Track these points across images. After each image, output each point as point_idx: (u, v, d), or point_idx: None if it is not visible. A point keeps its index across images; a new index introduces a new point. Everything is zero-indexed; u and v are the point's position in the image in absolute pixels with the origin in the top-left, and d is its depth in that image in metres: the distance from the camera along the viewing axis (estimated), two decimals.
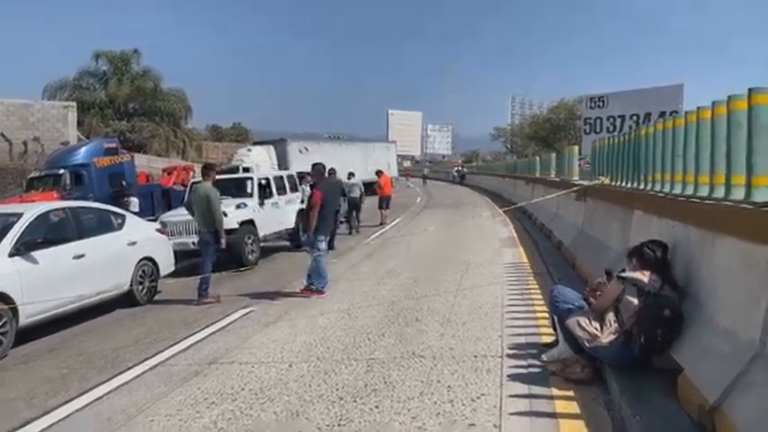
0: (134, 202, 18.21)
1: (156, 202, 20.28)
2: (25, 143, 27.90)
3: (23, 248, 6.84)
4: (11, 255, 6.71)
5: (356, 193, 16.92)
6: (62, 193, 17.34)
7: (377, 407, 4.20)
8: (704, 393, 3.29)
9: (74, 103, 32.78)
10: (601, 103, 29.70)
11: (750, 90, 3.79)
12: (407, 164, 59.25)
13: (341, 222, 15.31)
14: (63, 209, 8.17)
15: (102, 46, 42.15)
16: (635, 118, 26.98)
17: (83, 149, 20.19)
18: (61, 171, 18.42)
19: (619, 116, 28.26)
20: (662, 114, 22.04)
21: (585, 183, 10.36)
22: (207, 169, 9.21)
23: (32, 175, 19.96)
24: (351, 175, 17.90)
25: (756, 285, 3.21)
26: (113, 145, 21.10)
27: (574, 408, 3.98)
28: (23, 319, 6.63)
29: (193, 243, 10.28)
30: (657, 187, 6.05)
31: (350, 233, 16.04)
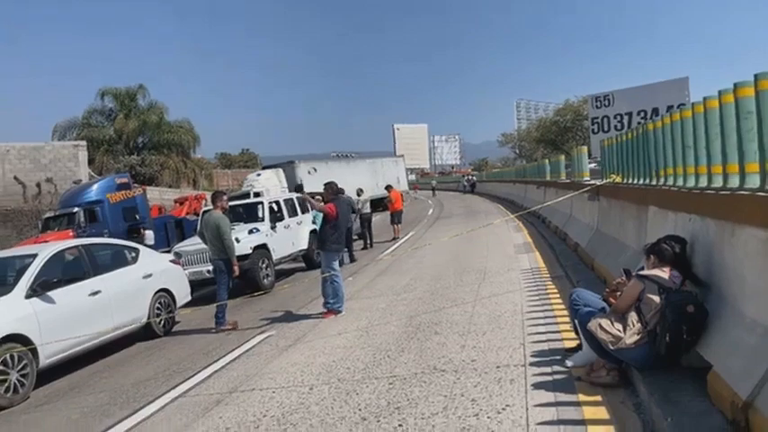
0: (149, 234, 18.35)
1: (171, 233, 20.41)
2: (38, 185, 28.32)
3: (40, 289, 6.88)
4: (27, 296, 6.74)
5: (368, 209, 17.04)
6: (77, 231, 17.50)
7: (400, 425, 4.12)
8: (736, 389, 3.19)
9: (84, 142, 33.24)
10: (606, 102, 29.50)
11: (756, 75, 3.71)
12: (411, 176, 59.03)
13: (354, 239, 15.38)
14: (77, 247, 8.23)
15: (107, 84, 42.61)
16: (642, 114, 26.77)
17: (95, 186, 20.40)
18: (75, 209, 18.61)
19: (626, 113, 28.04)
20: (669, 108, 21.84)
21: (597, 182, 10.25)
22: (216, 197, 9.22)
23: (47, 215, 20.19)
24: (360, 191, 17.96)
25: None
26: (125, 180, 21.30)
27: (603, 413, 3.87)
28: (43, 360, 6.64)
29: (208, 271, 10.31)
30: (670, 181, 5.94)
31: (364, 248, 16.10)
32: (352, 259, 13.90)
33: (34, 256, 7.32)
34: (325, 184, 8.93)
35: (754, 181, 3.89)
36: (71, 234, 17.01)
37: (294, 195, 15.17)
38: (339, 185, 9.66)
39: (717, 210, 4.14)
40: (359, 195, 17.34)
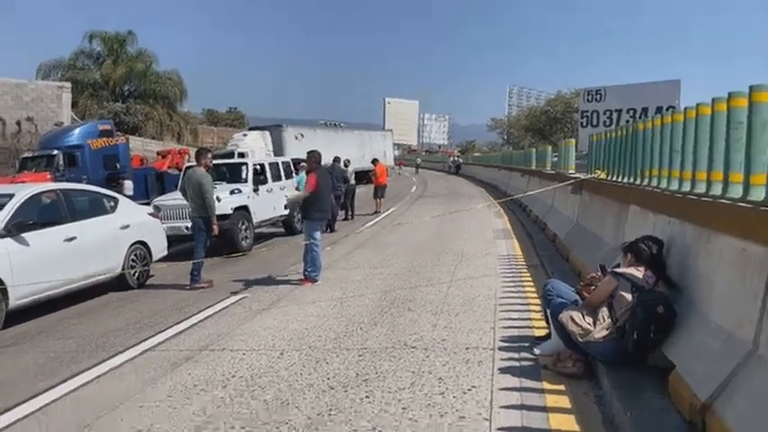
0: (128, 185, 18.11)
1: (151, 185, 20.18)
2: (18, 123, 27.71)
3: (14, 230, 6.79)
4: (1, 236, 6.65)
5: (352, 181, 17.12)
6: (55, 175, 17.23)
7: (367, 397, 4.18)
8: (695, 391, 3.29)
9: (68, 84, 32.52)
10: (598, 97, 29.61)
11: (751, 87, 3.75)
12: (397, 152, 58.85)
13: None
14: (55, 191, 8.10)
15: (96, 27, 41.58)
16: (632, 112, 26.92)
17: (77, 130, 20.03)
18: (55, 152, 18.29)
19: (616, 110, 28.19)
20: (659, 109, 22.00)
21: (581, 176, 10.33)
22: (200, 154, 9.09)
23: (25, 155, 19.83)
24: (347, 162, 17.91)
25: (751, 284, 3.20)
26: (108, 127, 20.93)
27: (565, 402, 3.97)
28: (13, 301, 6.59)
29: (187, 228, 10.23)
30: (654, 182, 6.02)
31: (345, 219, 16.16)
32: (332, 229, 13.98)
33: (11, 196, 7.20)
34: (309, 153, 8.86)
35: (736, 191, 3.97)
36: (48, 177, 16.73)
37: (280, 159, 15.10)
38: (331, 154, 9.68)
39: (696, 215, 4.22)
40: (345, 166, 17.31)
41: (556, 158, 16.83)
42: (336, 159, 15.95)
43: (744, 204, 3.65)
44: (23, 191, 7.52)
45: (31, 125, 27.79)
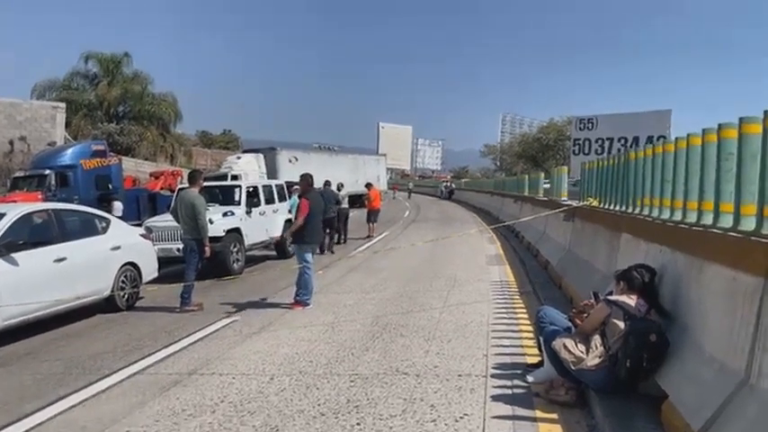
0: (117, 206, 18.01)
1: (143, 206, 20.10)
2: (11, 142, 27.63)
3: (4, 250, 6.74)
4: None
5: (345, 205, 17.14)
6: (47, 194, 17.15)
7: (358, 424, 4.13)
8: (688, 420, 3.27)
9: (63, 104, 32.53)
10: (590, 125, 29.94)
11: (741, 119, 3.81)
12: (389, 177, 58.99)
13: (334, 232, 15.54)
14: (46, 210, 8.07)
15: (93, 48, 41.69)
16: (623, 141, 27.22)
17: (70, 150, 20.00)
18: (47, 172, 18.22)
19: (607, 138, 28.49)
20: (650, 139, 22.24)
21: (574, 203, 10.40)
22: (194, 176, 9.12)
23: (17, 174, 19.74)
24: (340, 186, 17.97)
25: (742, 313, 3.21)
26: (101, 147, 20.92)
27: (557, 431, 3.94)
28: (1, 322, 6.50)
29: (178, 249, 10.19)
30: (646, 211, 6.07)
31: (338, 243, 16.11)
32: (327, 250, 14.06)
33: (1, 215, 7.15)
34: (301, 176, 8.89)
35: (727, 221, 4.00)
36: (39, 197, 16.65)
37: (273, 182, 15.12)
38: (324, 178, 9.71)
39: (688, 244, 4.24)
40: (338, 190, 17.36)
41: (547, 185, 16.94)
42: (327, 183, 15.92)
43: (734, 234, 3.68)
44: (15, 210, 7.48)
45: (24, 144, 27.73)
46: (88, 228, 8.43)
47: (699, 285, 3.90)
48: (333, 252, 14.52)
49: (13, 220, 7.11)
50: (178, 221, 8.88)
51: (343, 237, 16.78)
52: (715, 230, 4.05)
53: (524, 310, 7.57)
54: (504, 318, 7.27)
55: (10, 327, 6.70)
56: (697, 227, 4.43)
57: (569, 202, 11.36)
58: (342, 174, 26.95)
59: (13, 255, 6.78)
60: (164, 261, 10.23)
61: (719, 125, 4.18)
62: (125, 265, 8.62)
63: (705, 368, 3.50)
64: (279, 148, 31.30)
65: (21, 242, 7.08)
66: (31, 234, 7.51)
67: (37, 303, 6.93)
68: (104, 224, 8.71)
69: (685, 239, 4.34)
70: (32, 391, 5.18)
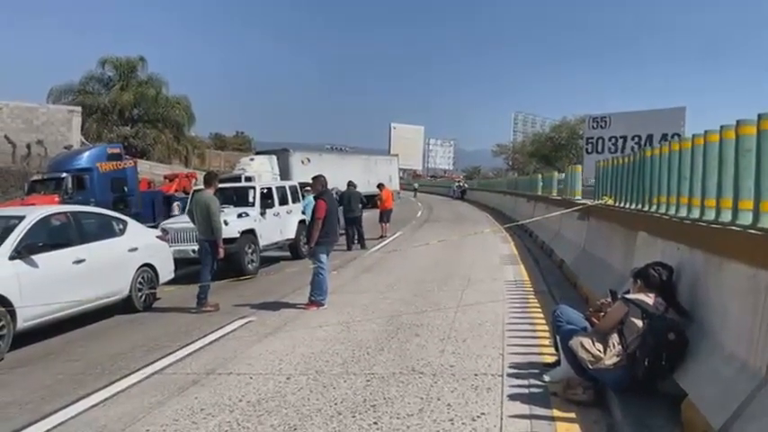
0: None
1: (158, 208, 20.25)
2: (29, 146, 27.92)
3: (24, 251, 6.82)
4: (11, 258, 6.68)
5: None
6: (64, 197, 17.30)
7: (375, 423, 4.15)
8: (708, 420, 3.25)
9: (79, 108, 32.86)
10: (603, 123, 29.80)
11: (759, 116, 3.78)
12: (401, 177, 59.09)
13: (341, 234, 15.55)
14: (65, 213, 8.17)
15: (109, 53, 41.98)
16: (637, 139, 27.06)
17: (86, 154, 20.16)
18: (64, 175, 18.39)
19: (621, 137, 28.34)
20: (664, 136, 22.12)
21: (588, 202, 10.34)
22: (209, 178, 9.22)
23: (35, 177, 19.95)
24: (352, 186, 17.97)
25: (763, 311, 3.18)
26: (117, 150, 21.07)
27: (575, 430, 3.93)
28: (21, 323, 6.59)
29: (193, 251, 10.26)
30: (662, 209, 6.02)
31: (355, 243, 16.07)
32: (355, 243, 15.54)
33: (21, 218, 7.25)
34: (314, 177, 8.92)
35: (746, 218, 3.97)
36: (57, 199, 16.81)
37: (287, 184, 15.19)
38: (337, 179, 9.77)
39: (707, 242, 4.21)
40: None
41: (561, 186, 16.84)
42: (351, 184, 16.74)
43: (754, 231, 3.65)
44: (34, 213, 7.58)
45: (41, 148, 28.01)
46: (106, 229, 8.53)
47: (718, 283, 3.87)
48: (363, 246, 15.55)
49: (32, 223, 7.21)
50: (194, 223, 8.96)
51: (360, 239, 16.62)
52: (734, 227, 4.02)
53: (539, 310, 7.54)
54: (520, 317, 7.25)
55: (30, 327, 6.79)
56: (715, 224, 4.40)
57: (584, 201, 11.30)
58: (354, 174, 26.96)
59: (33, 257, 6.87)
60: (180, 262, 10.32)
61: (737, 122, 4.15)
62: (142, 266, 8.71)
63: (725, 366, 3.47)
64: (291, 150, 31.39)
65: (40, 244, 7.17)
66: (50, 236, 7.60)
67: (57, 304, 7.02)
68: (122, 226, 8.80)
69: (704, 237, 4.31)
70: (53, 390, 5.24)
